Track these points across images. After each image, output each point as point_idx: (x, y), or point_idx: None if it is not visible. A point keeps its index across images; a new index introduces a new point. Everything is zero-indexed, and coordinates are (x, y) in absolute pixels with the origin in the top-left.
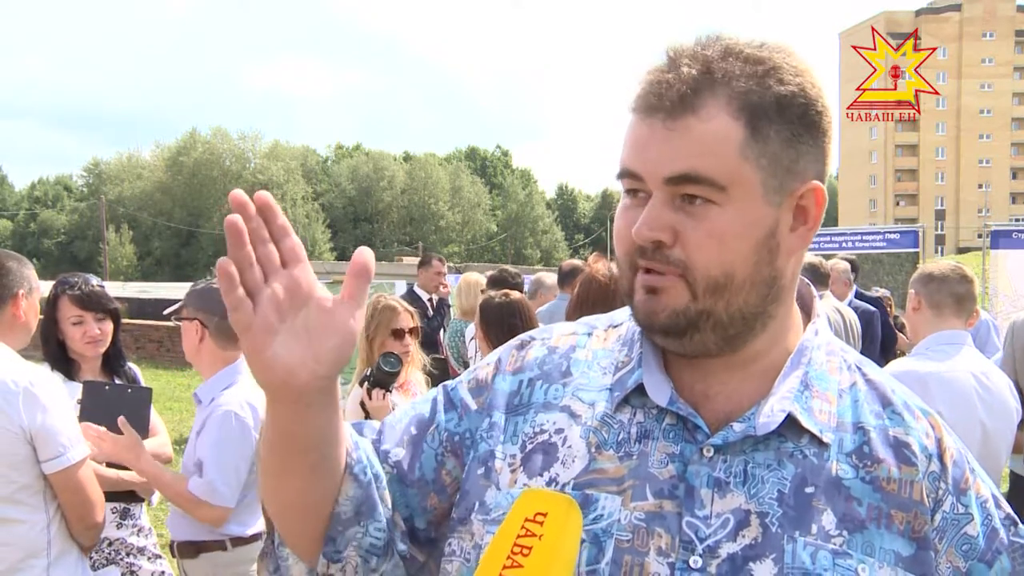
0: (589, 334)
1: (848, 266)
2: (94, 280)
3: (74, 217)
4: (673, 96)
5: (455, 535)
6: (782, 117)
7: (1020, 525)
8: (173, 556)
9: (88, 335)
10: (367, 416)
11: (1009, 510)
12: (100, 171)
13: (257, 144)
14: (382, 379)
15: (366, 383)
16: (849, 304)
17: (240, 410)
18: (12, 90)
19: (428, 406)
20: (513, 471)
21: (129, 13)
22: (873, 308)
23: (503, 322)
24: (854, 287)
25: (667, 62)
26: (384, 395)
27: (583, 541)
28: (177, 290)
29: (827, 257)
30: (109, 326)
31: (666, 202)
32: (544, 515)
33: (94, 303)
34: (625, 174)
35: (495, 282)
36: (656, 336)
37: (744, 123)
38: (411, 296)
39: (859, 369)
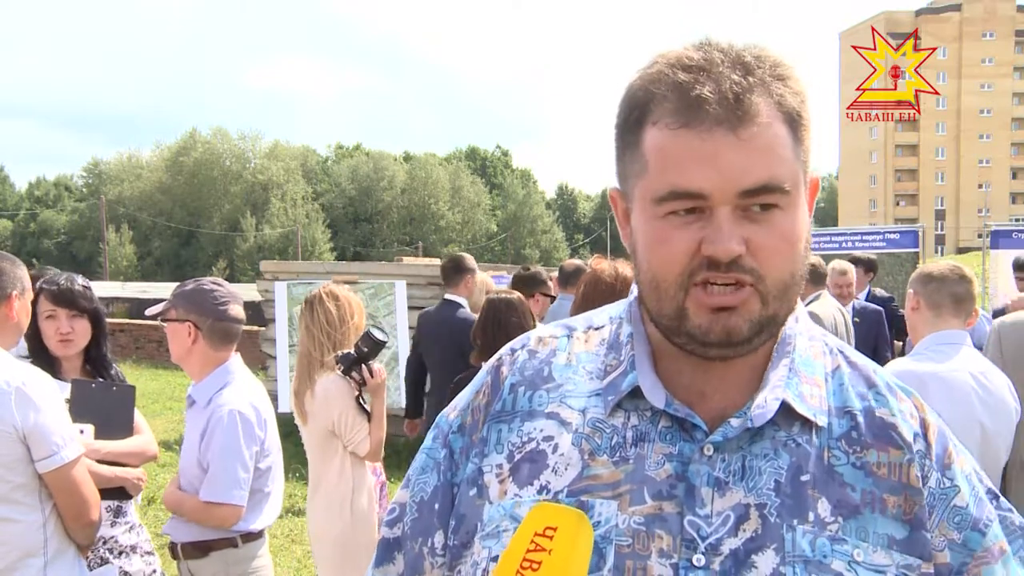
0: (568, 336)
1: (842, 272)
2: (79, 279)
3: (74, 217)
4: (731, 104)
5: (461, 562)
6: (803, 115)
7: (1001, 498)
8: (174, 558)
9: (59, 332)
10: (360, 399)
11: (991, 484)
12: (100, 171)
13: (257, 144)
14: (373, 350)
15: (352, 367)
16: (857, 306)
17: (244, 409)
18: (12, 90)
19: (434, 476)
20: (502, 482)
21: (129, 13)
22: (879, 307)
23: (499, 318)
24: (867, 288)
25: (701, 70)
26: (381, 369)
27: None
28: None
29: (827, 259)
30: (83, 325)
31: (737, 214)
32: (554, 529)
33: (66, 299)
34: (682, 195)
35: (518, 281)
36: (716, 349)
37: (787, 125)
38: None
39: (841, 353)
